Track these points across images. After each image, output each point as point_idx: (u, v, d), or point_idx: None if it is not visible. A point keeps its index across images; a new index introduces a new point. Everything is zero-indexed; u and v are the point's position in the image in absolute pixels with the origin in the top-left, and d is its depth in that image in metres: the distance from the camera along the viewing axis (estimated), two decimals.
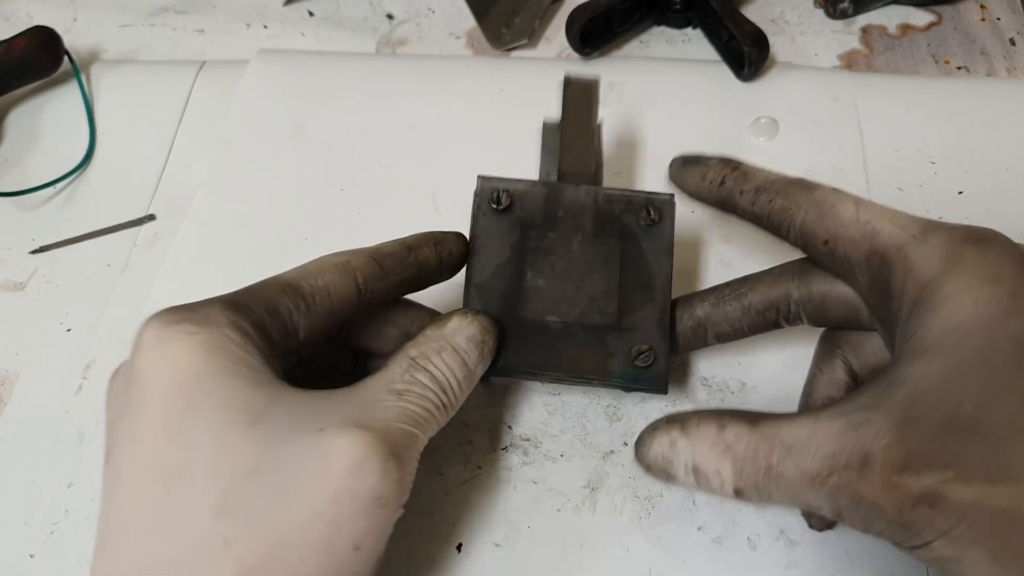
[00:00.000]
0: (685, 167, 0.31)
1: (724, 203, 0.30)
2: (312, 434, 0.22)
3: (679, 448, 0.25)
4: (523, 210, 0.31)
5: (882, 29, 0.50)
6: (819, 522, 0.30)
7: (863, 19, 0.50)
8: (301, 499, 0.22)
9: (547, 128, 0.35)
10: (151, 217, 0.42)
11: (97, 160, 0.45)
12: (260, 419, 0.23)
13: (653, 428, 0.26)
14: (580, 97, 0.34)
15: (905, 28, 0.50)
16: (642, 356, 0.29)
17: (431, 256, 0.30)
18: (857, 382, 0.30)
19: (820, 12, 0.51)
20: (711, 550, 0.30)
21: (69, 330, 0.38)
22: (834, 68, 0.48)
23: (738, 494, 0.24)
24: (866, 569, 0.30)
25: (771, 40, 0.45)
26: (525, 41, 0.49)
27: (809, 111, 0.44)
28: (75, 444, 0.34)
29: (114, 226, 0.42)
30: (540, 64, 0.48)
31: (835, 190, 0.27)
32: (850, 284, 0.28)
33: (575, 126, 0.33)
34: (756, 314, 0.30)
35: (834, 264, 0.27)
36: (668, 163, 0.32)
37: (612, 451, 0.33)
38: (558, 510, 0.32)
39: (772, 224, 0.28)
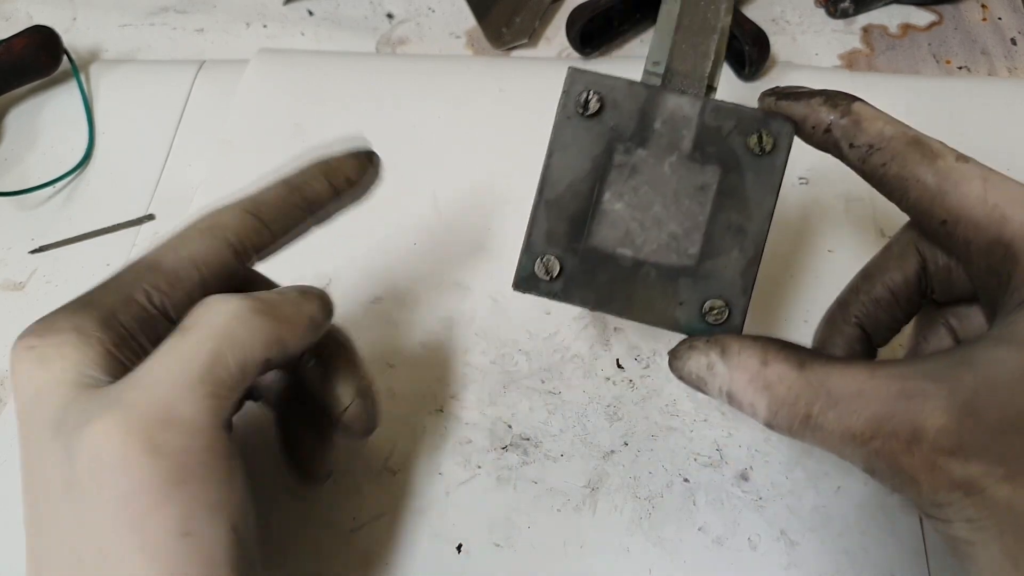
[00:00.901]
0: (781, 104, 0.26)
1: (829, 150, 0.26)
2: (80, 431, 0.20)
3: (716, 372, 0.24)
4: (614, 118, 0.27)
5: (883, 29, 0.50)
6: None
7: (864, 19, 0.50)
8: (96, 510, 0.20)
9: None
10: (150, 217, 0.42)
11: (96, 160, 0.45)
12: (60, 425, 0.21)
13: (691, 344, 0.25)
14: None
15: (906, 28, 0.49)
16: (714, 312, 0.26)
17: (323, 191, 0.27)
18: None
19: (821, 12, 0.51)
20: (711, 550, 0.30)
21: None
22: (835, 68, 0.48)
23: (768, 426, 0.23)
24: (866, 569, 0.30)
25: (772, 40, 0.44)
26: (525, 41, 0.49)
27: None
28: None
29: (113, 226, 0.42)
30: (540, 64, 0.48)
31: (960, 158, 0.24)
32: (962, 264, 0.25)
33: (698, 10, 0.28)
34: (904, 302, 0.27)
35: (950, 244, 0.25)
36: (758, 97, 0.28)
37: (613, 451, 0.33)
38: (558, 510, 0.32)
39: (883, 188, 0.25)
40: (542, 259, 0.27)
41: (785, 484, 0.32)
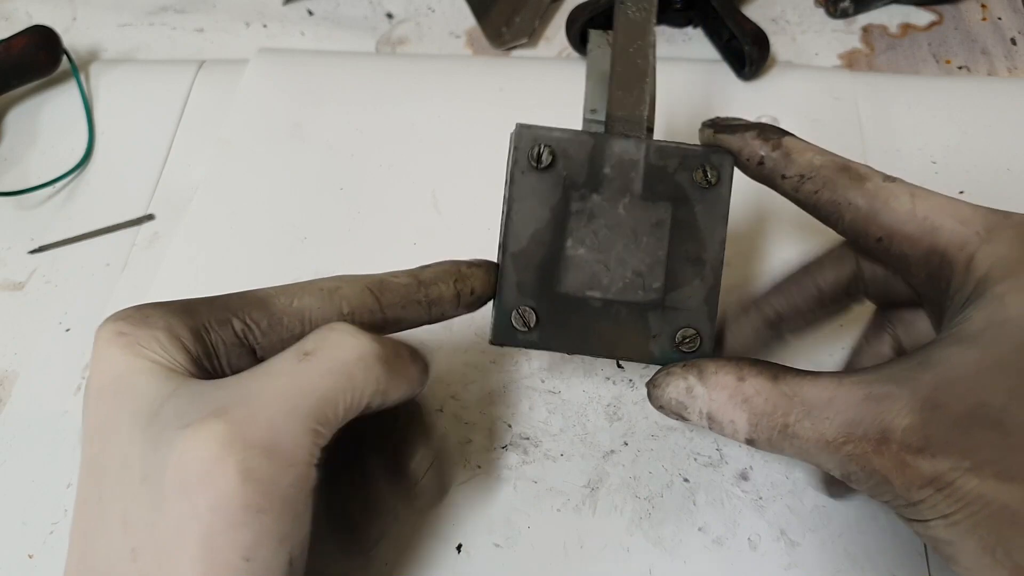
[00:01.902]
0: (719, 137, 0.28)
1: (763, 182, 0.27)
2: (179, 431, 0.20)
3: (695, 395, 0.25)
4: (566, 167, 0.28)
5: (883, 28, 0.49)
6: (839, 491, 0.31)
7: (864, 18, 0.50)
8: (173, 511, 0.20)
9: (594, 42, 0.30)
10: (150, 217, 0.42)
11: (96, 159, 0.45)
12: (153, 419, 0.21)
13: (668, 371, 0.25)
14: (635, 22, 0.29)
15: (906, 27, 0.49)
16: (687, 342, 0.27)
17: (447, 293, 0.27)
18: None
19: (821, 11, 0.51)
20: (712, 550, 0.30)
21: (68, 330, 0.38)
22: (835, 67, 0.48)
23: (750, 443, 0.24)
24: (866, 569, 0.30)
25: (772, 39, 0.44)
26: (525, 40, 0.49)
27: (810, 110, 0.44)
28: (74, 444, 0.34)
29: (113, 226, 0.42)
30: (540, 63, 0.48)
31: (888, 179, 0.26)
32: (903, 277, 0.27)
33: (629, 58, 0.29)
34: (829, 301, 0.29)
35: (889, 260, 0.26)
36: (698, 126, 0.29)
37: (612, 450, 0.33)
38: (558, 510, 0.32)
39: (819, 215, 0.26)
40: (517, 311, 0.27)
41: (785, 484, 0.32)
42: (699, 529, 0.31)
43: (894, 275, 0.28)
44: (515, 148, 0.28)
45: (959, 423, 0.21)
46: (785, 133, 0.27)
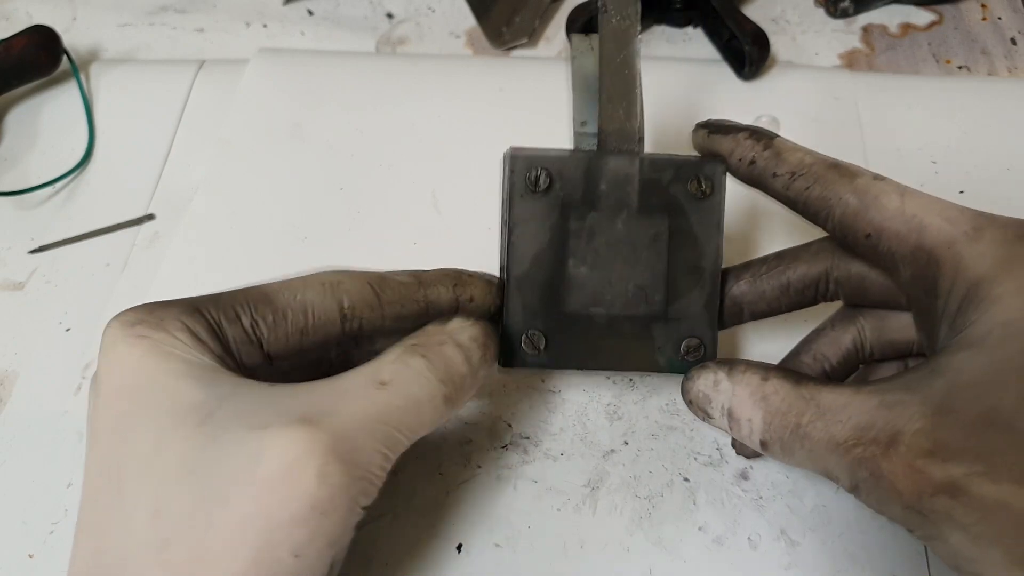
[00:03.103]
0: (712, 138, 0.28)
1: (755, 182, 0.28)
2: (255, 432, 0.21)
3: (721, 389, 0.26)
4: (562, 188, 0.28)
5: (883, 28, 0.50)
6: (744, 449, 0.31)
7: (864, 18, 0.50)
8: (232, 503, 0.21)
9: (576, 47, 0.30)
10: (150, 216, 0.42)
11: (96, 159, 0.45)
12: (208, 418, 0.21)
13: (703, 366, 0.27)
14: (621, 31, 0.28)
15: (906, 27, 0.50)
16: (692, 352, 0.28)
17: (445, 296, 0.28)
18: (859, 355, 0.30)
19: (821, 11, 0.51)
20: (712, 550, 0.30)
21: (68, 330, 0.38)
22: (835, 67, 0.48)
23: (763, 446, 0.25)
24: (866, 569, 0.30)
25: (772, 39, 0.45)
26: (525, 40, 0.49)
27: (810, 110, 0.44)
28: (74, 444, 0.34)
29: (113, 225, 0.42)
30: (540, 63, 0.48)
31: (877, 177, 0.26)
32: (891, 276, 0.27)
33: (616, 69, 0.28)
34: (795, 293, 0.29)
35: (876, 257, 0.26)
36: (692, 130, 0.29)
37: (613, 450, 0.33)
38: (558, 510, 0.32)
39: (808, 212, 0.27)
40: (527, 335, 0.28)
41: (785, 484, 0.32)
42: (699, 529, 0.31)
43: (868, 277, 0.28)
44: (511, 172, 0.28)
45: (971, 427, 0.21)
46: (775, 135, 0.28)
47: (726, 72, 0.46)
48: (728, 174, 0.29)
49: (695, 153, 0.30)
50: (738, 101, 0.44)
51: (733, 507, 0.31)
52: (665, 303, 0.28)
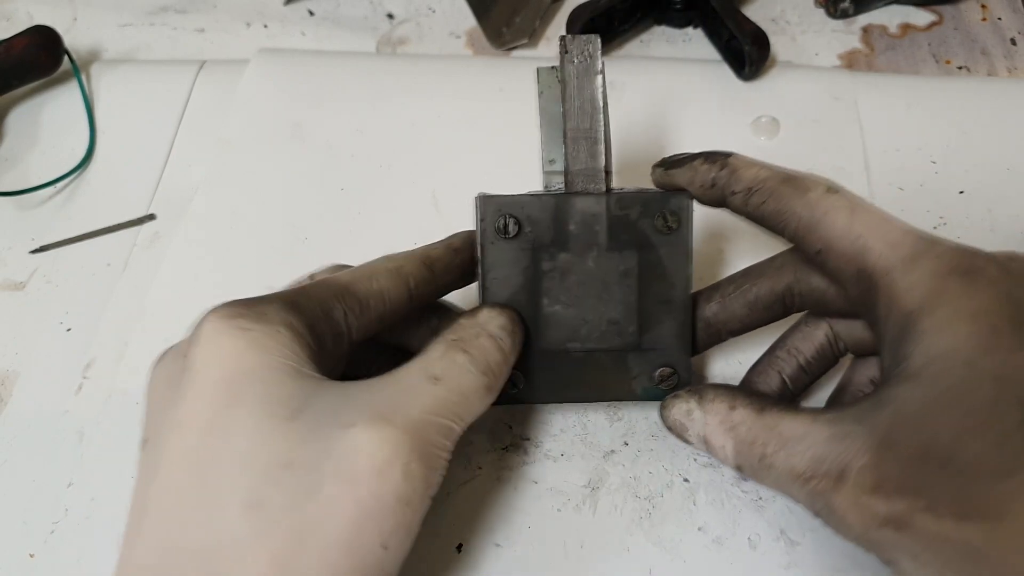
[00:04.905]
0: (670, 172, 0.29)
1: (718, 204, 0.29)
2: (343, 430, 0.22)
3: (694, 418, 0.27)
4: (532, 231, 0.29)
5: (883, 28, 0.50)
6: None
7: (864, 19, 0.50)
8: (328, 496, 0.22)
9: (543, 82, 0.30)
10: (151, 217, 0.42)
11: (97, 159, 0.45)
12: (299, 414, 0.23)
13: (675, 395, 0.29)
14: (582, 70, 0.29)
15: (906, 28, 0.50)
16: (666, 380, 0.29)
17: (470, 258, 0.30)
18: (834, 350, 0.31)
19: (821, 11, 0.51)
20: (712, 550, 0.30)
21: (69, 330, 0.38)
22: (835, 67, 0.48)
23: (739, 469, 0.26)
24: (866, 569, 0.30)
25: (772, 39, 0.45)
26: (525, 41, 0.49)
27: (810, 110, 0.44)
28: (75, 443, 0.34)
29: (114, 226, 0.42)
30: (540, 64, 0.48)
31: (829, 191, 0.26)
32: (843, 291, 0.27)
33: (581, 110, 0.29)
34: (763, 308, 0.30)
35: (826, 273, 0.27)
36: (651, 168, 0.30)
37: (613, 451, 0.33)
38: (558, 510, 0.32)
39: (768, 224, 0.28)
40: None
41: None
42: (699, 529, 0.31)
43: (828, 292, 0.29)
44: (481, 220, 0.29)
45: (911, 462, 0.22)
46: (731, 153, 0.28)
47: (726, 72, 0.46)
48: (696, 202, 0.30)
49: (655, 175, 0.30)
50: (738, 101, 0.44)
51: (733, 507, 0.31)
52: (639, 334, 0.29)
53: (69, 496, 0.33)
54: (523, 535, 0.31)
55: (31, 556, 0.31)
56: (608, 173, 0.29)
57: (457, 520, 0.31)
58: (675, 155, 0.30)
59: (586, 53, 0.28)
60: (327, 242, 0.40)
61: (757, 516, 0.31)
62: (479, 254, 0.29)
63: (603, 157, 0.29)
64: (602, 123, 0.29)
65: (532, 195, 0.29)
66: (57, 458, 0.34)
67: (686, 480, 0.32)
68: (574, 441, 0.33)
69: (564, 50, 0.29)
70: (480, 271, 0.29)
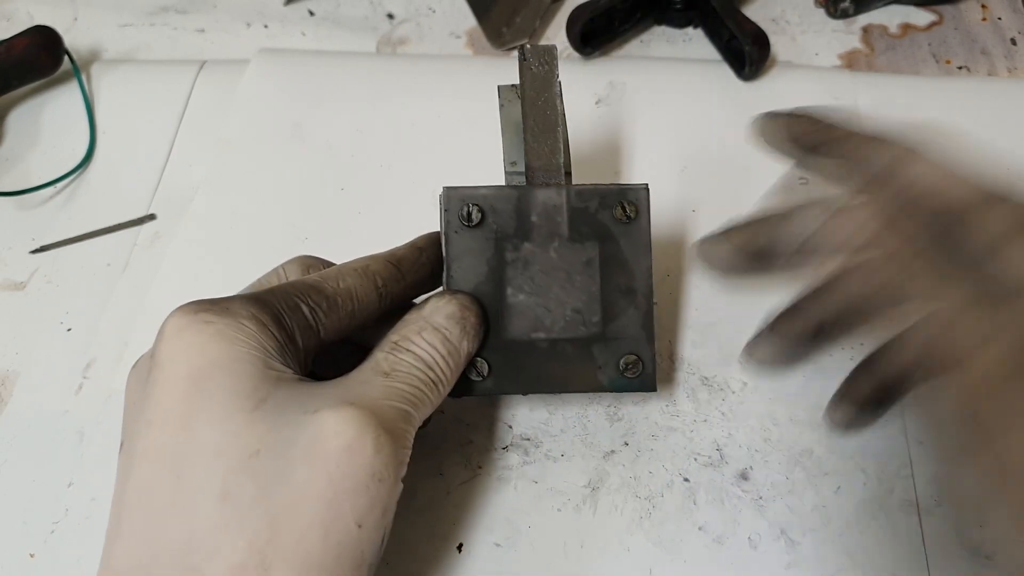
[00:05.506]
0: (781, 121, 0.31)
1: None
2: (309, 415, 0.23)
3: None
4: (495, 221, 0.30)
5: (883, 29, 0.50)
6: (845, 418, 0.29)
7: (864, 19, 0.50)
8: (300, 480, 0.22)
9: (504, 97, 0.32)
10: (151, 217, 0.42)
11: (97, 160, 0.45)
12: (263, 403, 0.23)
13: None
14: (540, 76, 0.31)
15: (906, 28, 0.50)
16: (631, 368, 0.29)
17: (436, 255, 0.30)
18: None
19: (821, 12, 0.51)
20: (712, 550, 0.30)
21: (69, 330, 0.38)
22: (835, 67, 0.48)
23: None
24: (866, 569, 0.30)
25: (772, 39, 0.45)
26: (525, 40, 0.49)
27: None
28: (75, 443, 0.34)
29: (114, 226, 0.42)
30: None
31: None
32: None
33: (539, 110, 0.31)
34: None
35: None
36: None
37: (613, 451, 0.33)
38: (558, 510, 0.32)
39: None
40: (472, 362, 0.29)
41: (785, 484, 0.32)
42: (699, 529, 0.31)
43: None
44: (445, 210, 0.30)
45: None
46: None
47: (726, 72, 0.46)
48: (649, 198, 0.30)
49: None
50: (738, 101, 0.44)
51: (733, 507, 0.31)
52: (603, 324, 0.30)
53: (69, 496, 0.33)
54: (523, 535, 0.31)
55: (31, 556, 0.31)
56: (568, 174, 0.31)
57: (457, 520, 0.31)
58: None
59: (544, 60, 0.31)
60: (327, 242, 0.40)
61: (757, 516, 0.31)
62: (443, 243, 0.30)
63: (562, 155, 0.30)
64: (560, 124, 0.30)
65: (495, 187, 0.30)
66: (57, 458, 0.34)
67: (686, 480, 0.32)
68: (574, 441, 0.33)
69: (523, 58, 0.31)
70: (445, 260, 0.30)
